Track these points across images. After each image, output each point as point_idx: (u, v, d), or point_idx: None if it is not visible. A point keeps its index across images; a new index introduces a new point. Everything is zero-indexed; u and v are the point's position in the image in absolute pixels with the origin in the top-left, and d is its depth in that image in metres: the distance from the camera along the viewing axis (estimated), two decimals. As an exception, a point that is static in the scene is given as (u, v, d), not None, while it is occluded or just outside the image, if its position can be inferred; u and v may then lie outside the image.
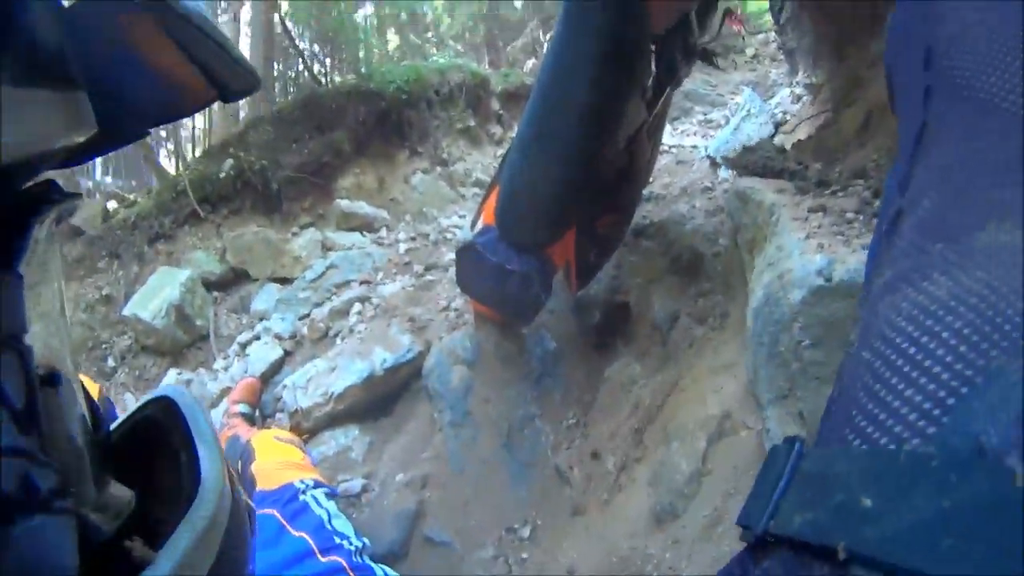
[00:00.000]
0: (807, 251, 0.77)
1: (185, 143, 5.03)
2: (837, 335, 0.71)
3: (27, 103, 0.21)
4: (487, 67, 6.22)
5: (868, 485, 0.21)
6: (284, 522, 1.02)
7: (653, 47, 1.25)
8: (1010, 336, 0.21)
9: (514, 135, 1.45)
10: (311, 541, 0.98)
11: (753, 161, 1.28)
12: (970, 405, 0.21)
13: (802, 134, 1.87)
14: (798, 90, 2.66)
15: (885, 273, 0.27)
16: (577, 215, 1.34)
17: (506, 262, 1.30)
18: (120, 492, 0.28)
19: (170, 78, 0.29)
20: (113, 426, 0.34)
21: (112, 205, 3.55)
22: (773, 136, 2.13)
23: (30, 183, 0.24)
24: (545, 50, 1.26)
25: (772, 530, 0.25)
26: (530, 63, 6.56)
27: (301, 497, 1.08)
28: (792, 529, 0.23)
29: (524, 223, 1.32)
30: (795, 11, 2.20)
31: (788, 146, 1.64)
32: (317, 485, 1.12)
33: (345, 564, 0.93)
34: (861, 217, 0.86)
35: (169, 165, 5.03)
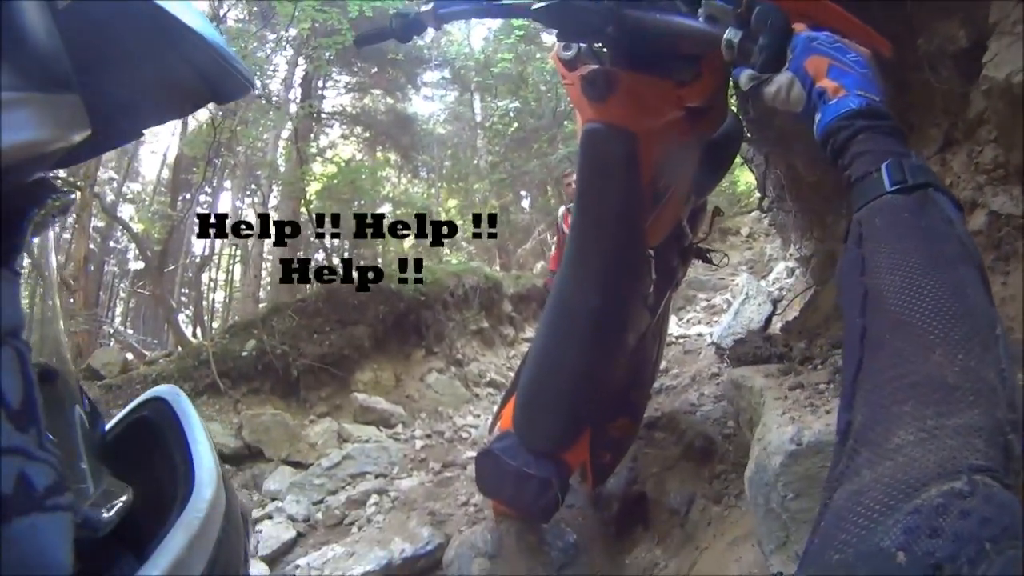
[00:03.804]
0: (783, 424, 0.98)
1: (204, 312, 5.47)
2: (814, 485, 0.90)
3: (21, 107, 0.22)
4: (498, 269, 6.86)
5: None
6: None
7: (652, 254, 1.45)
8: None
9: (530, 344, 1.66)
10: None
11: (744, 352, 1.54)
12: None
13: (791, 314, 2.10)
14: (791, 263, 2.85)
15: (839, 465, 0.42)
16: (591, 419, 1.51)
17: (525, 467, 1.45)
18: (118, 487, 0.30)
19: (166, 80, 0.31)
20: (108, 426, 0.37)
21: (129, 356, 3.69)
22: (772, 314, 2.31)
23: (24, 182, 0.25)
24: (560, 263, 1.52)
25: None
26: (539, 265, 7.24)
27: None
28: None
29: (541, 429, 1.49)
30: (779, 188, 2.45)
31: (780, 327, 1.87)
32: None
33: None
34: (831, 385, 1.09)
35: (186, 330, 5.41)
